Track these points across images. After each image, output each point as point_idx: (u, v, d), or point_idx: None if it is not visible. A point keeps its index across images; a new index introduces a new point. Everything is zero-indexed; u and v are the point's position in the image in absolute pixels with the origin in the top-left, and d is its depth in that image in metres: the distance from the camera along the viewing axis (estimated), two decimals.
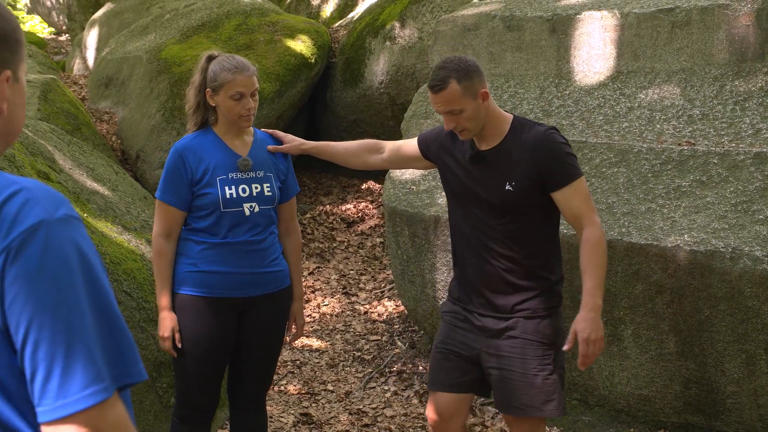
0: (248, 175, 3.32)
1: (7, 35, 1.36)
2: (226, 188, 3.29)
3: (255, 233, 3.33)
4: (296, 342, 5.98)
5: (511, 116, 3.17)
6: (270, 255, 3.38)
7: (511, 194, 3.06)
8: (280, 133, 3.54)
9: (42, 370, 1.24)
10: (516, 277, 3.11)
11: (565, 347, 3.05)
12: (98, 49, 10.76)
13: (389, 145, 3.55)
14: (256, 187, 3.33)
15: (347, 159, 3.58)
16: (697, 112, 4.76)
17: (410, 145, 3.48)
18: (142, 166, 7.76)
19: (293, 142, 3.50)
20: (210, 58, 3.34)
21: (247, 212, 3.30)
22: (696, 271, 4.11)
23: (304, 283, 6.97)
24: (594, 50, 5.35)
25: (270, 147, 3.44)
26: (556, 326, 3.13)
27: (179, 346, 3.29)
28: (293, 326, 3.55)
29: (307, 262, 7.52)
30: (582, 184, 3.05)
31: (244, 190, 3.31)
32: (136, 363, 1.32)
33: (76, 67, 11.30)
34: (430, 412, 3.33)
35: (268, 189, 3.35)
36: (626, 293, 4.41)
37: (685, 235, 4.19)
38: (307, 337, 6.17)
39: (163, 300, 3.30)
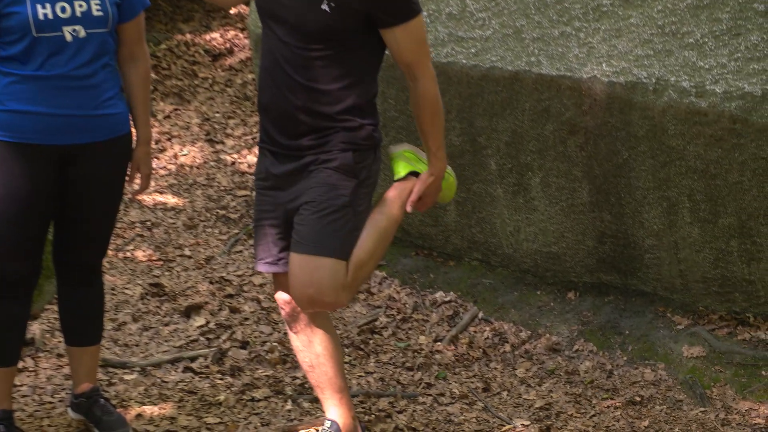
0: None
1: None
2: (39, 7, 3.09)
3: (80, 65, 3.18)
4: (144, 198, 5.93)
5: None
6: (102, 94, 3.24)
7: (326, 16, 2.95)
8: None
9: None
10: (312, 117, 3.08)
11: (408, 208, 3.16)
12: None
13: None
14: (81, 5, 3.14)
15: None
16: None
17: None
18: None
19: None
20: None
21: (69, 38, 3.14)
22: (614, 107, 4.14)
23: (157, 129, 6.87)
24: None
25: None
26: (359, 161, 3.12)
27: None
28: (137, 177, 3.46)
29: (161, 104, 7.34)
30: (418, 24, 3.03)
31: (63, 10, 3.12)
32: None
33: None
34: (277, 297, 3.34)
35: (98, 7, 3.16)
36: (534, 134, 4.43)
37: (604, 65, 4.20)
38: (160, 192, 6.07)
39: None
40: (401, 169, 3.26)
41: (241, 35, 8.31)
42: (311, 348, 3.28)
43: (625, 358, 4.28)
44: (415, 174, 3.23)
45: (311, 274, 3.02)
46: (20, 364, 3.71)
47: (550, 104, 4.33)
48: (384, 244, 3.17)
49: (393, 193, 3.21)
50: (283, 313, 3.32)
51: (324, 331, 3.28)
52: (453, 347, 4.46)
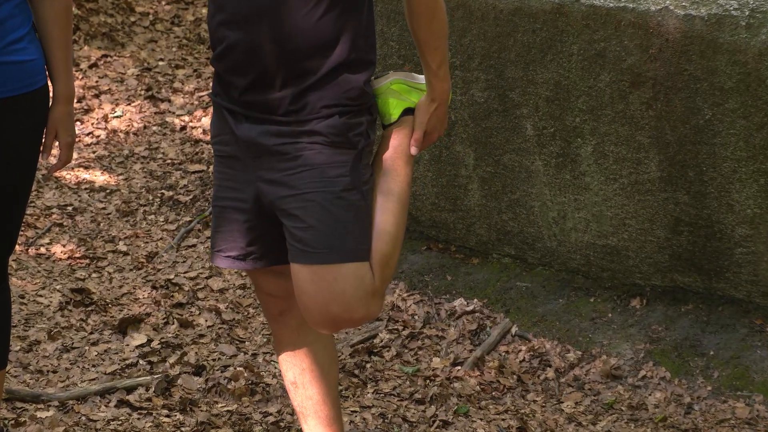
0: None
1: None
2: None
3: None
4: (65, 175, 5.94)
5: None
6: (6, 34, 3.25)
7: None
8: None
9: None
10: (283, 57, 3.06)
11: (413, 150, 3.16)
12: None
13: None
14: None
15: None
16: None
17: None
18: None
19: None
20: None
21: None
22: (693, 50, 4.12)
23: (81, 81, 6.87)
24: None
25: None
26: (351, 127, 3.10)
27: None
28: (54, 146, 3.47)
29: (86, 47, 7.34)
30: None
31: None
32: None
33: None
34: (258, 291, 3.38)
35: None
36: (584, 88, 4.41)
37: None
38: (85, 167, 6.09)
39: None
40: (392, 110, 3.21)
41: None
42: (297, 359, 3.32)
43: (709, 388, 4.27)
44: (409, 111, 3.22)
45: (330, 287, 3.01)
46: None
47: (605, 47, 4.31)
48: (403, 223, 3.17)
49: (391, 151, 3.18)
50: (267, 311, 3.36)
51: (317, 340, 3.30)
52: (477, 373, 4.45)
